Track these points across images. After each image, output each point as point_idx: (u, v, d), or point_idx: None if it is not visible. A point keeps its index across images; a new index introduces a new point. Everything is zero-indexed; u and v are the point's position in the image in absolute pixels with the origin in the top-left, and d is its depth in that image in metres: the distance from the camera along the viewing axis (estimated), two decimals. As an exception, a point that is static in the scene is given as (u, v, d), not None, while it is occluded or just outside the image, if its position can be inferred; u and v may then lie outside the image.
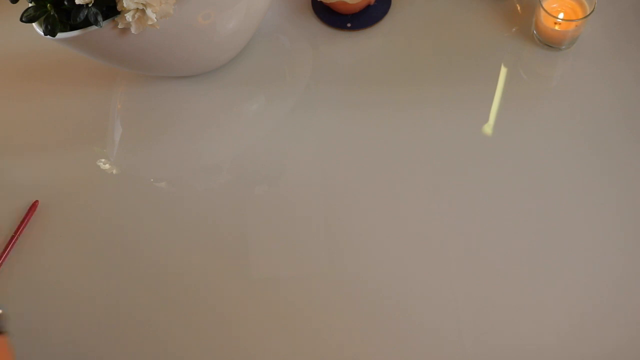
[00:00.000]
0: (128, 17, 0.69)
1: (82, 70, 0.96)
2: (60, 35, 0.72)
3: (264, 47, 0.95)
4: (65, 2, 0.69)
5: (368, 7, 0.95)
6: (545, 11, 0.82)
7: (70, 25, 0.73)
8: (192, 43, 0.80)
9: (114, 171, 0.87)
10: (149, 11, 0.68)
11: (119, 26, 0.70)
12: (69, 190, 0.85)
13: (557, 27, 0.84)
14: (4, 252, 0.80)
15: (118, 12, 0.70)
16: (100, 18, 0.69)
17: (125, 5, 0.68)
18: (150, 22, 0.69)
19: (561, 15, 0.84)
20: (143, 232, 0.81)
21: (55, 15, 0.72)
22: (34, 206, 0.83)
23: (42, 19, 0.72)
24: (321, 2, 0.94)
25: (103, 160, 0.88)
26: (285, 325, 0.72)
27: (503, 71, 0.88)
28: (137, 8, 0.68)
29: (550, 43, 0.88)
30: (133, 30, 0.70)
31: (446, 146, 0.82)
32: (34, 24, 0.74)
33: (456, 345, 0.69)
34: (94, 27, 0.71)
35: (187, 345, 0.72)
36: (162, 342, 0.73)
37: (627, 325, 0.68)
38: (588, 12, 0.82)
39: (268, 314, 0.73)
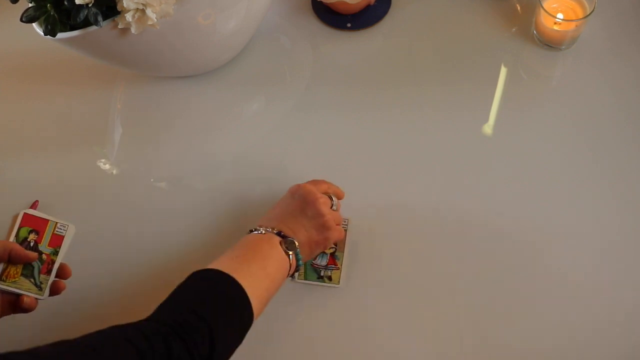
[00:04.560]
0: (128, 17, 0.69)
1: (82, 70, 0.96)
2: (60, 35, 0.72)
3: (264, 47, 0.95)
4: (65, 2, 0.69)
5: (368, 7, 0.94)
6: (545, 11, 0.82)
7: (70, 25, 0.72)
8: (192, 43, 0.80)
9: (114, 171, 0.87)
10: (149, 11, 0.68)
11: (119, 26, 0.70)
12: (69, 190, 0.85)
13: (557, 27, 0.84)
14: (4, 252, 0.80)
15: (118, 12, 0.70)
16: (100, 18, 0.69)
17: (125, 5, 0.68)
18: (150, 22, 0.69)
19: (560, 16, 0.84)
20: (143, 232, 0.81)
21: (55, 15, 0.71)
22: (34, 206, 0.83)
23: (42, 19, 0.72)
24: (321, 2, 0.94)
25: (103, 160, 0.88)
26: (275, 320, 0.72)
27: (503, 71, 0.88)
28: (137, 8, 0.68)
29: (550, 43, 0.88)
30: (133, 30, 0.70)
31: (446, 146, 0.82)
32: (34, 24, 0.74)
33: (455, 346, 0.69)
34: (94, 27, 0.71)
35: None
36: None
37: (625, 325, 0.68)
38: (588, 12, 0.82)
39: (268, 313, 0.73)
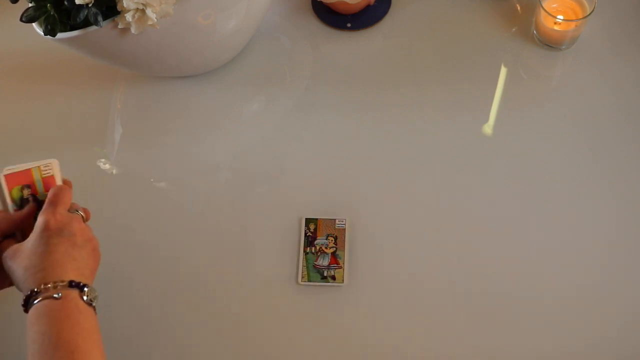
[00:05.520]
0: (128, 17, 0.69)
1: (82, 70, 0.96)
2: (60, 35, 0.72)
3: (264, 47, 0.95)
4: (65, 2, 0.69)
5: (368, 7, 0.94)
6: (545, 11, 0.82)
7: (70, 25, 0.73)
8: (192, 43, 0.80)
9: (114, 171, 0.87)
10: (149, 11, 0.68)
11: (119, 26, 0.70)
12: (69, 190, 0.85)
13: (557, 27, 0.84)
14: (4, 252, 0.79)
15: (118, 12, 0.70)
16: (100, 18, 0.69)
17: (125, 5, 0.68)
18: (150, 22, 0.69)
19: (561, 16, 0.84)
20: (143, 232, 0.81)
21: (55, 15, 0.71)
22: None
23: (42, 19, 0.72)
24: (321, 2, 0.94)
25: (103, 160, 0.88)
26: (279, 323, 0.72)
27: (503, 71, 0.88)
28: (137, 8, 0.68)
29: (550, 43, 0.88)
30: (133, 30, 0.70)
31: (446, 146, 0.82)
32: (34, 24, 0.74)
33: (460, 343, 0.69)
34: (94, 27, 0.71)
35: (187, 343, 0.72)
36: (162, 340, 0.73)
37: (627, 327, 0.68)
38: (588, 12, 0.82)
39: (269, 311, 0.73)
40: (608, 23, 0.89)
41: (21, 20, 0.72)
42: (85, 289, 0.59)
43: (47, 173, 0.66)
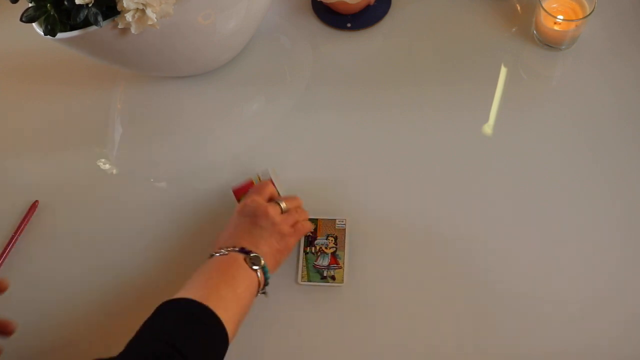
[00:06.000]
0: (128, 17, 0.69)
1: (82, 70, 0.96)
2: (60, 35, 0.72)
3: (264, 47, 0.95)
4: (65, 2, 0.69)
5: (368, 7, 0.95)
6: (545, 11, 0.82)
7: (70, 25, 0.73)
8: (192, 43, 0.80)
9: (114, 171, 0.87)
10: (149, 11, 0.68)
11: (119, 26, 0.70)
12: (69, 190, 0.86)
13: (557, 27, 0.84)
14: (3, 252, 0.80)
15: (118, 12, 0.70)
16: (100, 18, 0.69)
17: (125, 5, 0.68)
18: (150, 22, 0.69)
19: (561, 16, 0.84)
20: (143, 232, 0.81)
21: (55, 15, 0.72)
22: (33, 206, 0.83)
23: (42, 19, 0.72)
24: (321, 2, 0.94)
25: (103, 160, 0.88)
26: (279, 323, 0.72)
27: (503, 71, 0.88)
28: (137, 8, 0.68)
29: (550, 43, 0.88)
30: (133, 30, 0.70)
31: (446, 146, 0.82)
32: (34, 24, 0.74)
33: (461, 343, 0.69)
34: (94, 27, 0.71)
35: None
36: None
37: (626, 327, 0.68)
38: (588, 12, 0.82)
39: (269, 311, 0.73)
40: (608, 23, 0.89)
41: (21, 20, 0.72)
42: (253, 255, 0.67)
43: (266, 177, 0.78)
